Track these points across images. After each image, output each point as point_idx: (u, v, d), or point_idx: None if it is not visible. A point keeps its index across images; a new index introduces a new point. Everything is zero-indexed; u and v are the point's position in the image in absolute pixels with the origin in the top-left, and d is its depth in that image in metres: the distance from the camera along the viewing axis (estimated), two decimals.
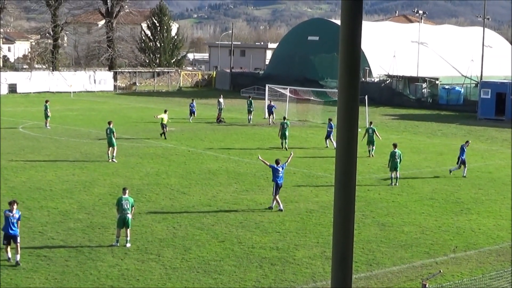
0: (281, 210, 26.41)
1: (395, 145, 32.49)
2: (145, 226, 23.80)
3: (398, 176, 31.93)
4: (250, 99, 57.90)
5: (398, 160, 31.59)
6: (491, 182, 33.41)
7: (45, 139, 43.45)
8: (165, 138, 44.03)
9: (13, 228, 19.70)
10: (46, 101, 49.93)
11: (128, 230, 21.64)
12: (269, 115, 54.39)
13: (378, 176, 33.88)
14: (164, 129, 44.43)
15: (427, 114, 66.48)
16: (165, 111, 45.57)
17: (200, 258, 20.54)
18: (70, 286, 18.10)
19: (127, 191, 22.18)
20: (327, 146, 42.38)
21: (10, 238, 19.71)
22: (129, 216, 21.66)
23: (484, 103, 62.86)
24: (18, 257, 19.46)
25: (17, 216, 19.90)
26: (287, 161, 28.02)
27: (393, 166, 31.73)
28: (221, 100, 57.67)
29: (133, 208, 21.96)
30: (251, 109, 56.29)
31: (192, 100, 57.95)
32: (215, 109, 58.63)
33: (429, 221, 25.58)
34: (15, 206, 19.99)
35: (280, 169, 26.78)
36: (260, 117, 57.43)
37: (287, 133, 42.15)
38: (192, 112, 55.65)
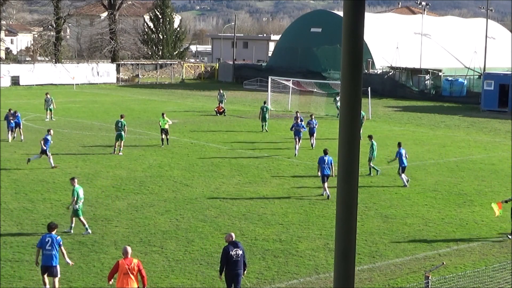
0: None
1: (370, 137, 32.54)
2: (148, 218, 23.82)
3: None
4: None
5: (372, 151, 31.79)
6: (494, 174, 33.37)
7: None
8: (162, 145, 38.50)
9: (50, 258, 16.69)
10: (47, 94, 49.92)
11: (81, 218, 21.90)
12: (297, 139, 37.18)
13: (381, 168, 33.85)
14: (163, 135, 38.74)
15: (430, 106, 66.39)
16: (163, 115, 39.14)
17: (203, 250, 20.56)
18: (73, 278, 18.13)
19: (75, 181, 22.37)
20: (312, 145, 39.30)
21: (46, 270, 16.79)
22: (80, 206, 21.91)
23: (487, 95, 62.73)
24: None
25: (55, 240, 16.75)
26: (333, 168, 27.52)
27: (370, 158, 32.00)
28: (222, 92, 57.58)
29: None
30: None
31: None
32: (217, 101, 58.49)
33: (432, 213, 25.57)
34: (54, 231, 17.01)
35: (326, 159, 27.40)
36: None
37: (267, 116, 45.17)
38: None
